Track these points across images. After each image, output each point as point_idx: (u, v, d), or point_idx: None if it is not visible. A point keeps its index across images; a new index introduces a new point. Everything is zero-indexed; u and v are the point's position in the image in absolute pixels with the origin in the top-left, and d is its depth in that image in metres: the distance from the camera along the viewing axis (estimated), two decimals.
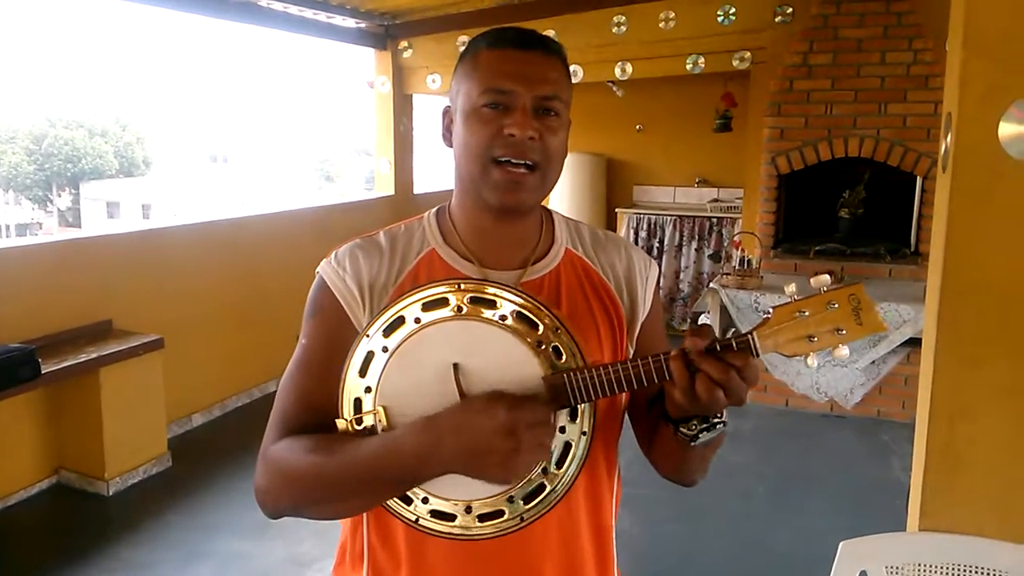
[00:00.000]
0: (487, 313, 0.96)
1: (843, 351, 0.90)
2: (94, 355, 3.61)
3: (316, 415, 1.02)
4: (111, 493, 3.73)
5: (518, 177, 1.01)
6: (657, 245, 6.57)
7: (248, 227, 5.12)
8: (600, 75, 5.99)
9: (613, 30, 5.52)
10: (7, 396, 3.27)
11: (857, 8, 4.76)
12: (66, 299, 3.87)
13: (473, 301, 0.96)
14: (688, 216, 6.48)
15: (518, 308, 0.96)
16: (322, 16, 5.60)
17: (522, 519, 0.97)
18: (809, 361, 0.91)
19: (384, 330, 0.97)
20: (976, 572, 1.53)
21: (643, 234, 6.59)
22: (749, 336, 0.90)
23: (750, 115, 5.63)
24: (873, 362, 4.47)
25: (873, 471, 4.03)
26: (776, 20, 5.11)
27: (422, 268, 1.07)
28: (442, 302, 0.96)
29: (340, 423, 0.98)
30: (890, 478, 3.88)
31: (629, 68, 5.75)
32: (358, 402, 0.98)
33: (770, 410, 4.86)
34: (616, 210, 6.78)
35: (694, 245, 6.44)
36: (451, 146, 1.08)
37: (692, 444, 0.98)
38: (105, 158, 36.45)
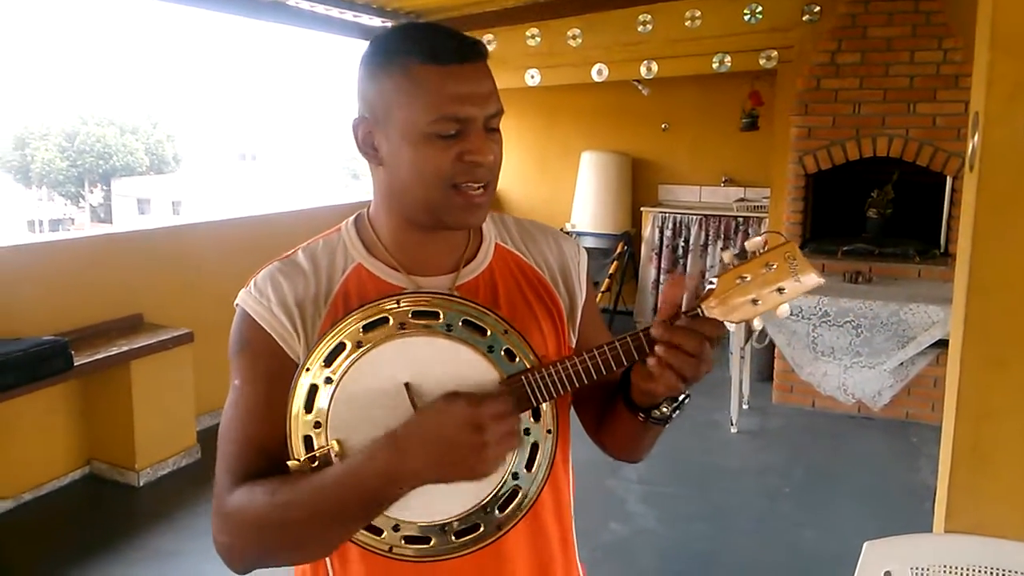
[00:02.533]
0: (432, 325, 0.92)
1: (784, 309, 0.91)
2: (125, 348, 3.68)
3: (267, 458, 0.97)
4: (141, 484, 3.79)
5: (478, 199, 0.97)
6: (683, 244, 6.55)
7: (276, 224, 5.18)
8: (625, 74, 5.98)
9: (639, 29, 5.50)
10: (41, 387, 3.34)
11: (886, 7, 4.71)
12: (98, 293, 3.95)
13: (416, 315, 0.93)
14: (714, 215, 6.45)
15: (463, 315, 0.93)
16: (348, 15, 5.64)
17: (500, 528, 0.95)
18: (756, 324, 0.93)
19: (325, 360, 0.92)
20: (1001, 574, 1.52)
21: (668, 233, 6.56)
22: (697, 309, 0.91)
23: (777, 114, 5.59)
24: (902, 364, 4.42)
25: (901, 473, 4.00)
26: (804, 19, 5.07)
27: (351, 284, 1.02)
28: (382, 321, 0.92)
29: (293, 465, 0.93)
30: (917, 480, 3.85)
31: (655, 67, 5.73)
32: (309, 440, 0.93)
33: (797, 411, 4.84)
34: (641, 209, 6.76)
35: (720, 244, 6.40)
36: (377, 163, 1.01)
37: (666, 424, 1.02)
38: (136, 155, 36.96)
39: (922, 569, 1.53)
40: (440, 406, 0.88)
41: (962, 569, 1.53)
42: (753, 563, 3.18)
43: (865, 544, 1.55)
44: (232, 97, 54.63)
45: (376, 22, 5.88)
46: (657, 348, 0.91)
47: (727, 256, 0.93)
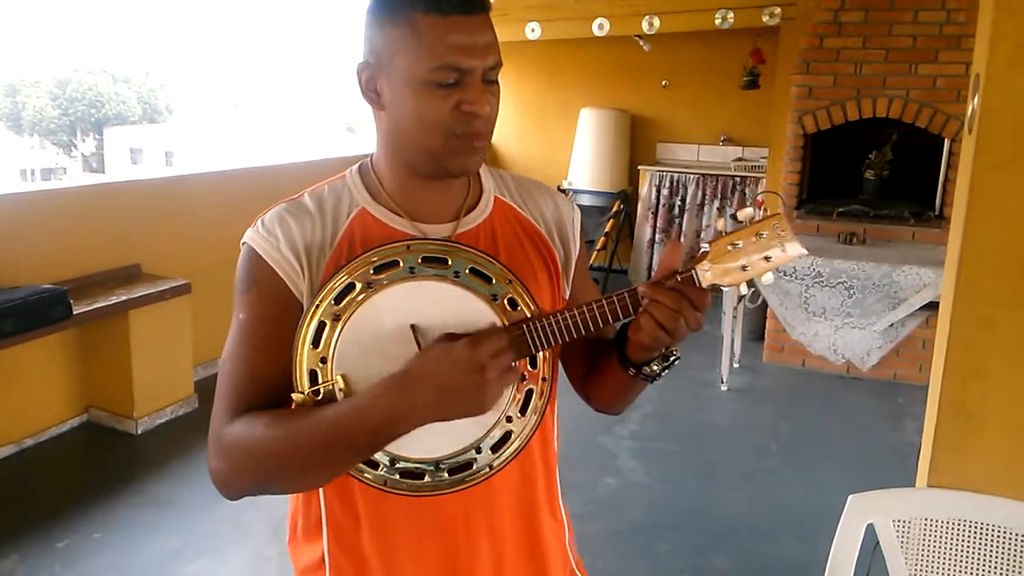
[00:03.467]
0: (440, 271, 0.97)
1: (769, 277, 0.98)
2: (124, 298, 3.69)
3: (268, 391, 1.00)
4: (139, 432, 3.84)
5: (476, 144, 1.00)
6: (679, 203, 6.54)
7: (272, 176, 5.16)
8: (627, 29, 5.92)
9: None
10: (40, 335, 3.36)
11: None
12: (96, 243, 3.95)
13: (425, 260, 0.97)
14: (711, 175, 6.44)
15: (470, 263, 0.97)
16: None
17: (491, 467, 1.00)
18: (743, 289, 1.01)
19: (335, 298, 0.96)
20: (982, 528, 1.56)
21: (665, 192, 6.55)
22: (692, 272, 0.96)
23: (778, 72, 5.57)
24: (892, 325, 4.47)
25: (887, 432, 4.07)
26: None
27: (356, 228, 1.04)
28: (392, 264, 0.96)
29: (297, 397, 0.96)
30: (903, 440, 3.91)
31: (657, 22, 5.68)
32: (314, 373, 0.96)
33: (787, 370, 4.89)
34: (639, 167, 6.74)
35: (716, 204, 6.40)
36: (379, 108, 1.03)
37: (654, 381, 1.07)
38: (128, 104, 36.55)
39: (904, 522, 1.58)
40: (442, 349, 0.92)
41: (943, 522, 1.58)
42: (740, 517, 3.25)
43: (849, 497, 1.59)
44: (226, 47, 53.86)
45: None
46: (643, 302, 0.97)
47: (720, 223, 0.99)
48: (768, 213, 0.98)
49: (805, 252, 0.97)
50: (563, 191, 6.60)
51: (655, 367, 1.05)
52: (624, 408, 1.20)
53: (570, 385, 1.21)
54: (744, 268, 0.97)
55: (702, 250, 0.97)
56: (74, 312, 3.42)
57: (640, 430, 3.99)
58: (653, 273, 0.99)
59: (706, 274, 0.96)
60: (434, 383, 0.91)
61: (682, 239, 6.49)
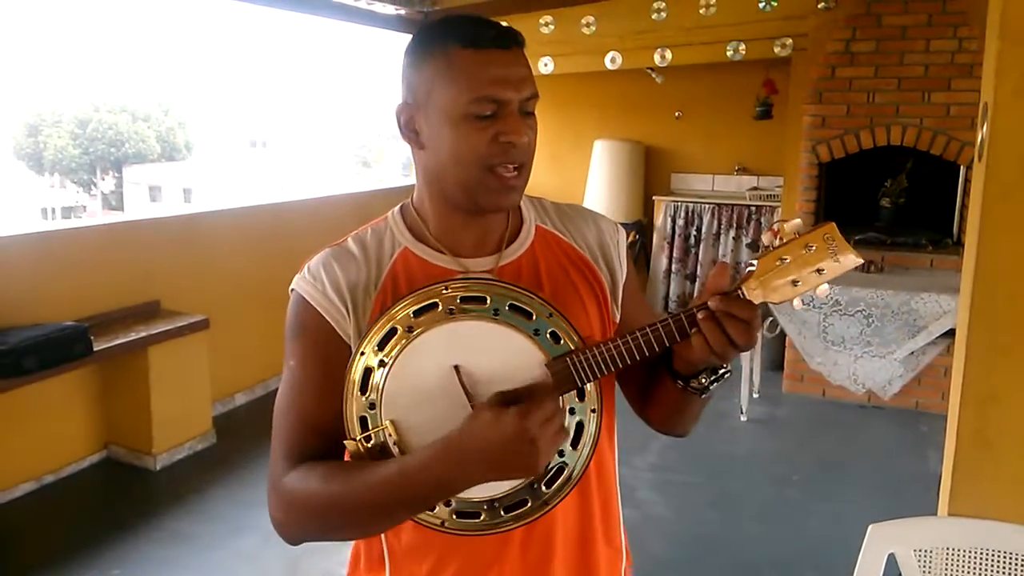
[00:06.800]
0: (479, 309, 0.96)
1: (824, 289, 0.94)
2: (143, 334, 3.73)
3: (321, 437, 1.01)
4: (158, 468, 3.85)
5: (512, 182, 1.01)
6: (695, 233, 6.54)
7: (289, 212, 5.22)
8: (639, 62, 5.97)
9: (653, 16, 5.49)
10: (62, 372, 3.40)
11: None
12: (116, 280, 4.00)
13: (463, 300, 0.96)
14: (727, 204, 6.44)
15: (509, 300, 0.96)
16: (362, 2, 5.65)
17: (547, 503, 0.99)
18: (795, 304, 0.96)
19: (378, 344, 0.96)
20: (1003, 556, 1.54)
21: (680, 222, 6.56)
22: (738, 291, 0.93)
23: (791, 102, 5.58)
24: (912, 353, 4.43)
25: (909, 462, 4.01)
26: (819, 6, 5.05)
27: (399, 268, 1.06)
28: (432, 307, 0.96)
29: (350, 444, 0.98)
30: (926, 469, 3.86)
31: (669, 55, 5.72)
32: (364, 420, 0.97)
33: (807, 400, 4.85)
34: (653, 198, 6.76)
35: (732, 234, 6.40)
36: (419, 147, 1.05)
37: (703, 395, 1.04)
38: (148, 142, 37.08)
39: (925, 551, 1.56)
40: (492, 417, 0.90)
41: (965, 551, 1.56)
42: (761, 549, 3.21)
43: (870, 527, 1.57)
44: (243, 84, 54.77)
45: (389, 10, 5.89)
46: (703, 317, 0.94)
47: (767, 238, 0.95)
48: (818, 224, 0.94)
49: (860, 261, 0.92)
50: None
51: (703, 380, 1.03)
52: (684, 428, 1.17)
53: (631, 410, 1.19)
54: (795, 283, 0.93)
55: (748, 268, 0.94)
56: (94, 349, 3.46)
57: (659, 462, 3.96)
58: (698, 294, 0.96)
59: (754, 292, 0.93)
60: (486, 454, 0.90)
61: (699, 269, 6.50)
